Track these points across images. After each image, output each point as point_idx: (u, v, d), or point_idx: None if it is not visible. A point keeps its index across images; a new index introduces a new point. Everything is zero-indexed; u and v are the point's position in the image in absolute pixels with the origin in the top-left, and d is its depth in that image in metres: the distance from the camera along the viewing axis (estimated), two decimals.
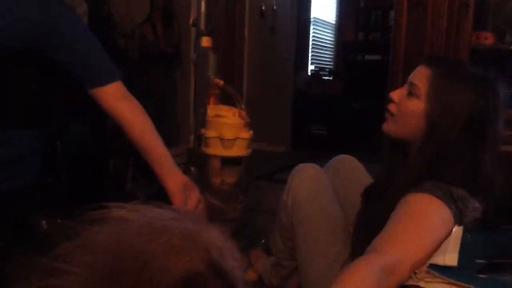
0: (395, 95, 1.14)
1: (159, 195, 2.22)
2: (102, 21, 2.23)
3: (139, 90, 2.44)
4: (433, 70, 1.09)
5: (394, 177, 1.12)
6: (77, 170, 1.42)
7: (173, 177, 1.20)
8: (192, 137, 1.67)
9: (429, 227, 0.96)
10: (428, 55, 1.24)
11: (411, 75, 1.14)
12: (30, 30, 1.13)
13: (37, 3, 1.15)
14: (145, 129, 1.24)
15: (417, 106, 1.08)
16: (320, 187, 1.38)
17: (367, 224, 1.13)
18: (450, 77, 1.07)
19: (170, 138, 2.69)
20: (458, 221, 0.98)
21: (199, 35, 1.64)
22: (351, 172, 1.50)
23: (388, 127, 1.16)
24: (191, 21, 1.62)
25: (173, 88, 2.86)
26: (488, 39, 2.51)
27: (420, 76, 1.10)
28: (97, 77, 1.21)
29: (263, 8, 4.07)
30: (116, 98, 1.22)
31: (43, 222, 1.33)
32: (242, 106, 1.60)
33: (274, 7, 4.05)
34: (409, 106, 1.10)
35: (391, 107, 1.15)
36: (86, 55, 1.21)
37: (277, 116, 4.10)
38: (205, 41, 1.61)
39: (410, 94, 1.11)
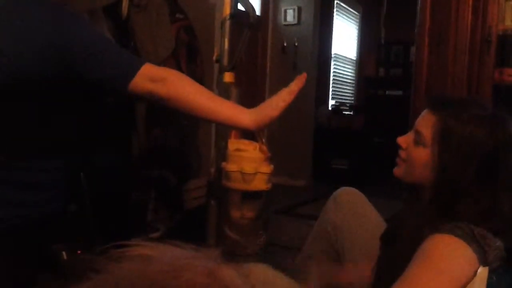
0: (403, 141, 1.15)
1: (179, 227, 2.23)
2: None
3: (162, 122, 2.48)
4: (437, 116, 1.07)
5: (410, 219, 1.10)
6: (100, 200, 1.43)
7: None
8: (213, 170, 1.68)
9: (451, 269, 0.94)
10: (431, 98, 1.22)
11: (418, 120, 1.13)
12: (48, 52, 1.12)
13: (49, 23, 1.13)
14: (199, 96, 1.20)
15: (425, 154, 1.08)
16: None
17: (386, 269, 1.10)
18: (455, 121, 1.05)
19: (191, 170, 2.71)
20: (482, 261, 0.95)
21: (222, 70, 1.67)
22: (354, 204, 1.48)
23: (399, 172, 1.17)
24: (214, 57, 1.65)
25: (196, 121, 2.90)
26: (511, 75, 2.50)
27: (425, 123, 1.09)
28: (129, 69, 1.15)
29: (285, 44, 4.14)
30: (152, 79, 1.15)
31: (63, 253, 1.34)
32: (263, 140, 1.61)
33: (296, 44, 4.12)
34: (417, 154, 1.10)
35: (401, 153, 1.15)
36: (108, 54, 1.16)
37: (298, 150, 4.11)
38: (228, 77, 1.64)
39: (417, 142, 1.10)
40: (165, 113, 2.50)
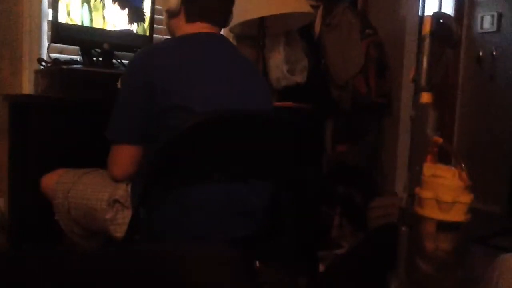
0: None
1: (364, 246, 2.20)
2: (319, 74, 2.36)
3: (348, 140, 2.49)
4: None
5: None
6: (299, 219, 1.48)
7: None
8: (405, 196, 1.62)
9: None
10: None
11: None
12: None
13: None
14: None
15: None
16: None
17: None
18: None
19: (376, 188, 2.66)
20: None
21: (418, 91, 1.60)
22: None
23: None
24: (411, 76, 1.59)
25: (382, 138, 2.84)
26: None
27: None
28: None
29: (481, 54, 3.80)
30: None
31: (256, 262, 1.43)
32: (463, 165, 1.49)
33: (494, 53, 3.74)
34: None
35: None
36: None
37: (492, 172, 3.71)
38: (425, 97, 1.56)
39: None
40: (351, 130, 2.51)
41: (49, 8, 1.87)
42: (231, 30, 2.20)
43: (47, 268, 0.76)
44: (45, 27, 1.90)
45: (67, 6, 1.74)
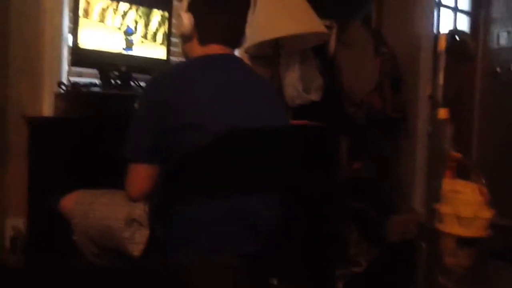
0: None
1: (382, 263, 2.18)
2: (334, 92, 2.37)
3: (363, 156, 2.48)
4: None
5: None
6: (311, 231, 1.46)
7: None
8: (424, 211, 1.60)
9: None
10: None
11: None
12: None
13: None
14: None
15: None
16: None
17: None
18: None
19: (393, 205, 2.63)
20: None
21: (435, 106, 1.60)
22: None
23: None
24: (428, 93, 1.59)
25: (398, 153, 2.82)
26: None
27: None
28: None
29: (498, 70, 3.77)
30: None
31: (273, 279, 1.42)
32: (483, 181, 1.48)
33: (511, 68, 3.70)
34: None
35: None
36: None
37: (509, 186, 3.64)
38: (442, 113, 1.56)
39: None
40: (366, 146, 2.50)
41: (69, 33, 1.92)
42: (246, 51, 2.22)
43: (52, 272, 0.76)
44: (65, 51, 1.95)
45: (86, 30, 1.78)
